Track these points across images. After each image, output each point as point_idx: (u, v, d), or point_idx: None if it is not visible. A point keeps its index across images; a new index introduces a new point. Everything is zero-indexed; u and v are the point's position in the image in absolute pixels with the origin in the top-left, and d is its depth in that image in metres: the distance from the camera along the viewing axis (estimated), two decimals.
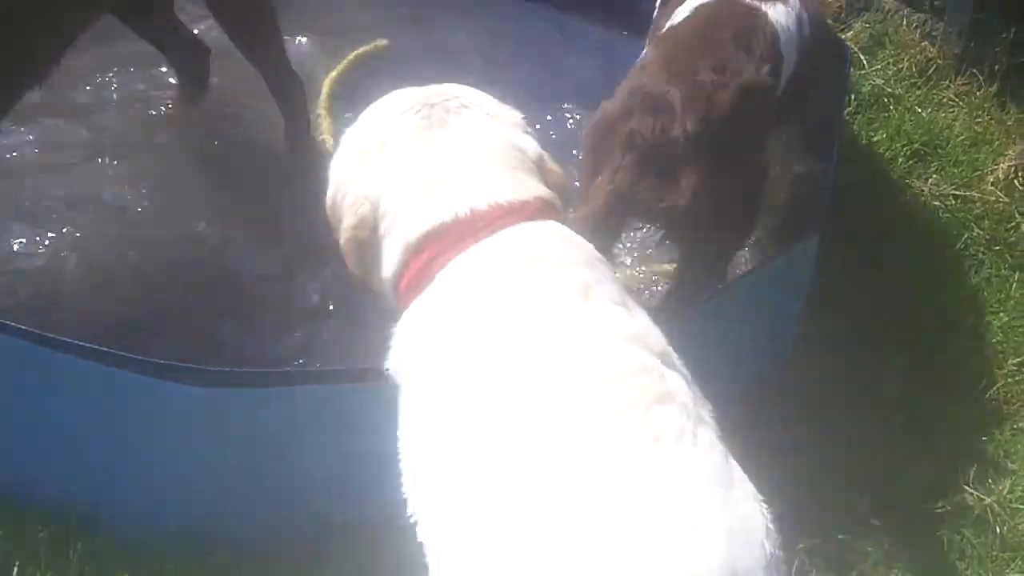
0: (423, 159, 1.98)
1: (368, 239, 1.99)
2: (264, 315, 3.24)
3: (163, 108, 3.90)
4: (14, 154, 3.66)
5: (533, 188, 1.96)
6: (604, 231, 2.80)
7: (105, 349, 2.46)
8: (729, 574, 1.47)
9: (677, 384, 1.69)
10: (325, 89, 3.99)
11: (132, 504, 2.59)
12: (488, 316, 1.76)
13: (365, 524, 2.46)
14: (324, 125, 3.86)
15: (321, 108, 3.92)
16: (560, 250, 1.85)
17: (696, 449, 1.60)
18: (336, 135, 3.48)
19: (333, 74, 4.05)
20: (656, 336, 1.78)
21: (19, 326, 2.50)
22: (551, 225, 1.90)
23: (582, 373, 1.65)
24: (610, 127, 2.82)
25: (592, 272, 1.82)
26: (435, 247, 1.89)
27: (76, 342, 2.46)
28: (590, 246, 1.90)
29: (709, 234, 2.83)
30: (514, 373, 1.68)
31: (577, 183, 2.88)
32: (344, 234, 2.01)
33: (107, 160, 3.68)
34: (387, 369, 1.93)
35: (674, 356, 1.77)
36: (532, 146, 2.05)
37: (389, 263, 1.97)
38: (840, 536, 2.73)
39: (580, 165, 3.04)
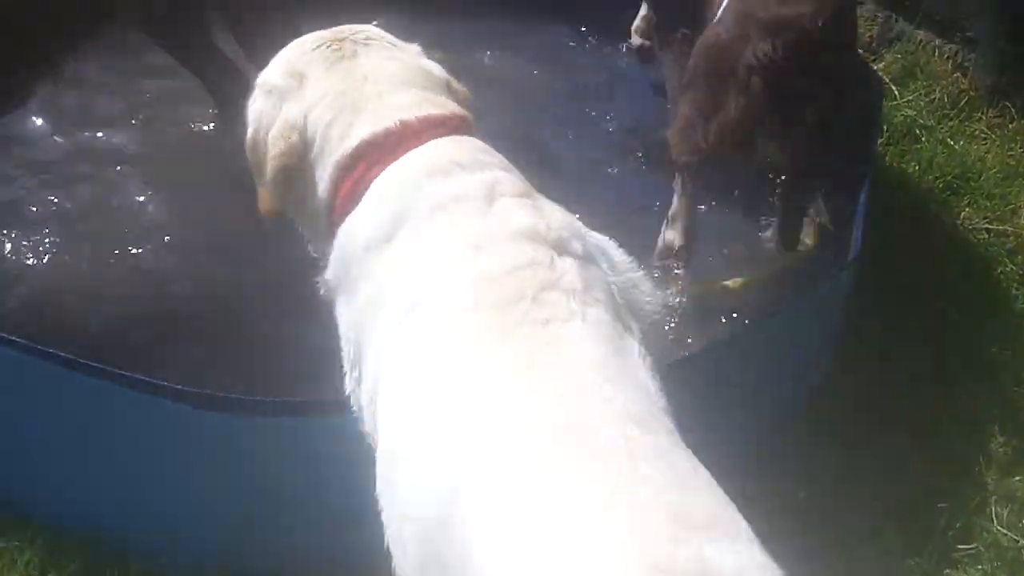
0: (343, 85, 2.11)
1: (297, 166, 2.10)
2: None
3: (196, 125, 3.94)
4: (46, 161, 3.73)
5: (452, 105, 2.13)
6: (734, 148, 3.05)
7: (138, 377, 2.48)
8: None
9: (565, 269, 1.84)
10: None
11: (167, 533, 2.61)
12: (412, 224, 1.94)
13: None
14: None
15: None
16: (480, 156, 2.03)
17: (585, 326, 1.77)
18: None
19: None
20: (555, 222, 1.92)
21: (61, 354, 2.52)
22: (469, 139, 2.08)
23: (478, 271, 1.84)
24: (725, 52, 2.96)
25: (504, 173, 2.00)
26: (367, 161, 2.03)
27: (120, 372, 2.49)
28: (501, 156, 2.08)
29: (817, 165, 2.94)
30: (426, 273, 1.88)
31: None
32: (272, 163, 2.11)
33: (130, 169, 3.76)
34: (318, 281, 2.10)
35: (572, 241, 1.91)
36: (438, 69, 2.21)
37: (322, 187, 2.09)
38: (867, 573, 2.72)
39: (687, 91, 3.16)
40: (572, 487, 1.52)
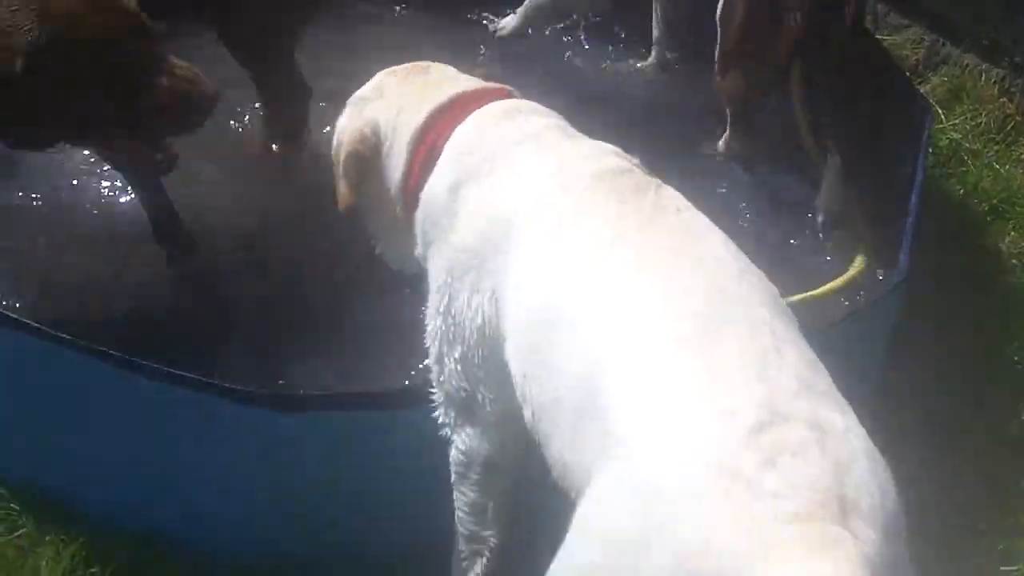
0: (413, 88, 2.43)
1: (368, 157, 2.40)
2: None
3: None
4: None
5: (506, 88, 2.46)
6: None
7: (192, 376, 2.51)
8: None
9: (649, 178, 2.13)
10: None
11: (210, 530, 2.63)
12: (496, 159, 2.21)
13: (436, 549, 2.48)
14: None
15: None
16: (541, 109, 2.36)
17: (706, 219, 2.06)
18: None
19: None
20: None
21: (103, 349, 2.54)
22: (527, 101, 2.41)
23: (591, 171, 2.12)
24: None
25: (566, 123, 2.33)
26: (438, 127, 2.32)
27: (169, 370, 2.51)
28: None
29: None
30: (532, 185, 2.14)
31: None
32: (345, 151, 2.41)
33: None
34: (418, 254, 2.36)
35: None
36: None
37: (396, 168, 2.38)
38: None
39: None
40: (726, 344, 1.79)
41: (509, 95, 2.42)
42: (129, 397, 2.59)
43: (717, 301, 1.88)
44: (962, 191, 4.03)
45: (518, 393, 2.08)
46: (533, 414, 2.03)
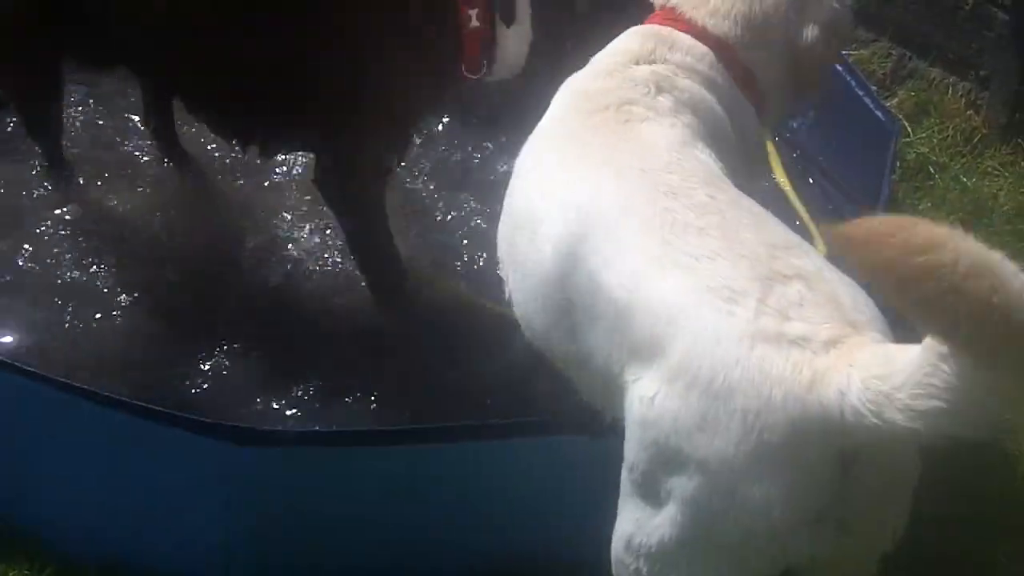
0: None
1: None
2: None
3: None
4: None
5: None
6: None
7: (190, 416, 2.53)
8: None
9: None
10: None
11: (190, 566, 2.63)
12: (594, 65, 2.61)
13: None
14: None
15: None
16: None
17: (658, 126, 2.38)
18: None
19: None
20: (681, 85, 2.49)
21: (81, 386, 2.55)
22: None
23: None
24: None
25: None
26: None
27: (172, 411, 2.53)
28: None
29: None
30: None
31: None
32: None
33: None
34: None
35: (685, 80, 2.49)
36: None
37: None
38: None
39: None
40: (682, 232, 2.09)
41: (679, 23, 2.60)
42: (91, 427, 2.58)
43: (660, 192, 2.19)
44: (930, 204, 4.05)
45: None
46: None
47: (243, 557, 2.62)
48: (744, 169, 2.54)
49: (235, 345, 3.29)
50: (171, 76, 3.39)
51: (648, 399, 2.01)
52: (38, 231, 3.61)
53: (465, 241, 3.71)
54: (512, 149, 2.58)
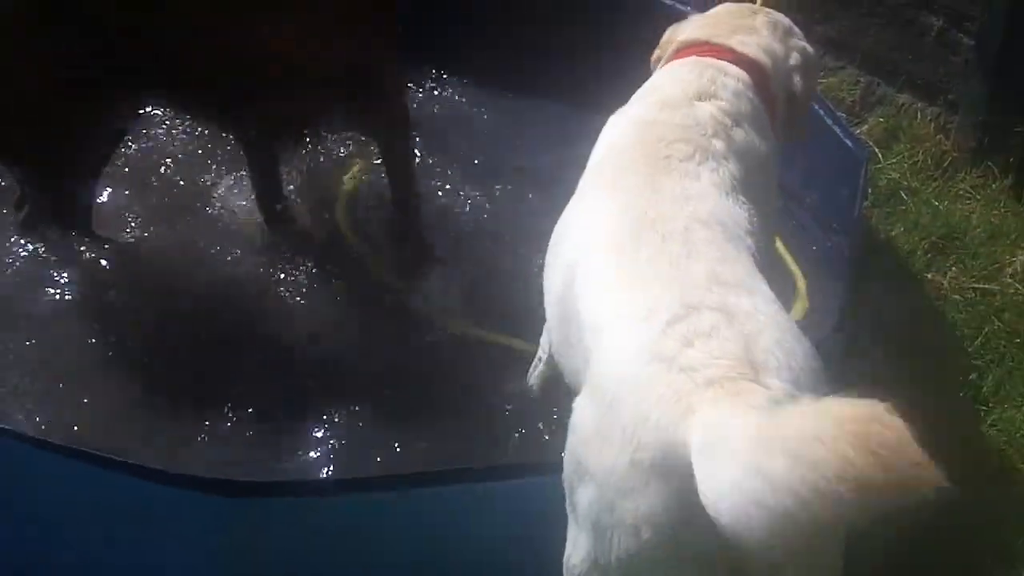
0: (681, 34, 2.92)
1: None
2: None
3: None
4: None
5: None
6: None
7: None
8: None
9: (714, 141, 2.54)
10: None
11: None
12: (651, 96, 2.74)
13: None
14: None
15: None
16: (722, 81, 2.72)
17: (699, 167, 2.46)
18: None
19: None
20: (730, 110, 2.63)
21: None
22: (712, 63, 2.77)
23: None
24: None
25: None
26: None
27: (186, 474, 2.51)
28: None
29: None
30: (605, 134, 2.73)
31: None
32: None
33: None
34: None
35: (740, 127, 2.61)
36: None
37: None
38: None
39: None
40: (642, 256, 2.20)
41: (722, 53, 2.76)
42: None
43: (646, 223, 2.28)
44: (903, 229, 4.09)
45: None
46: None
47: None
48: (772, 209, 2.68)
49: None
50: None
51: (575, 408, 2.12)
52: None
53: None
54: None
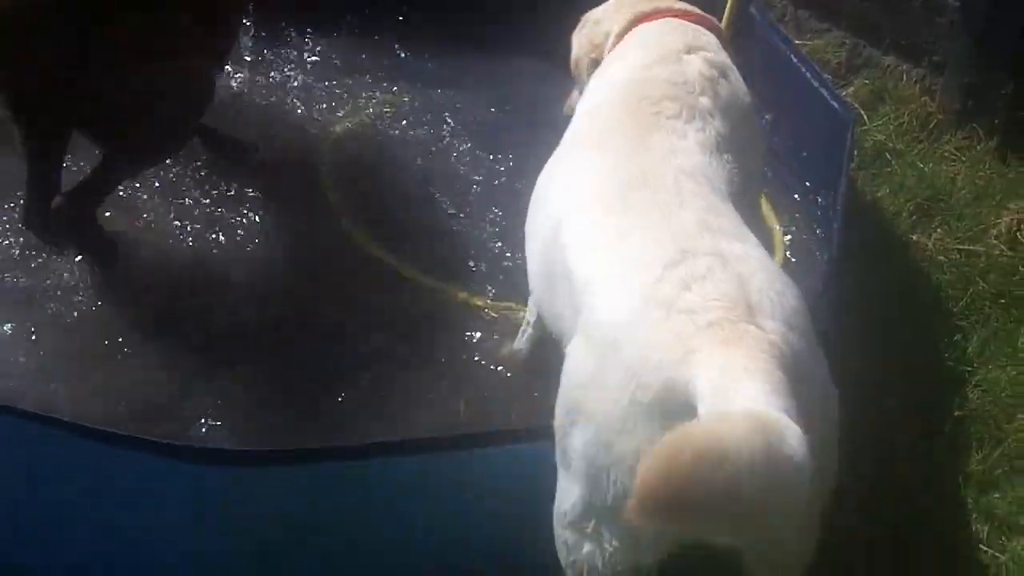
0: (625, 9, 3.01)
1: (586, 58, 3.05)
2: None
3: None
4: None
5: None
6: None
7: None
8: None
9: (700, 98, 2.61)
10: None
11: None
12: (636, 56, 2.80)
13: None
14: None
15: None
16: (698, 35, 2.86)
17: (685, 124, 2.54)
18: None
19: None
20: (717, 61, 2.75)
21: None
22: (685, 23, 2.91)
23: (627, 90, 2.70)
24: None
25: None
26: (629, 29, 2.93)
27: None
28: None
29: None
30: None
31: None
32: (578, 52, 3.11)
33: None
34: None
35: (726, 78, 2.72)
36: None
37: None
38: None
39: None
40: (635, 207, 2.27)
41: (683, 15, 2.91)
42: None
43: (637, 177, 2.35)
44: (888, 190, 4.09)
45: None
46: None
47: None
48: (758, 167, 2.78)
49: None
50: None
51: (569, 354, 2.19)
52: None
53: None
54: None
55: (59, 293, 3.41)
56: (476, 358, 3.32)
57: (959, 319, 3.64)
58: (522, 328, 3.22)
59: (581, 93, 2.99)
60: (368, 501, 2.52)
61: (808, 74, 3.84)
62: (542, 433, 2.28)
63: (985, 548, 2.88)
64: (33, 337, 3.25)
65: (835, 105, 3.80)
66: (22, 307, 3.34)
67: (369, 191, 3.95)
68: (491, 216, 3.84)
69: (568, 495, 2.15)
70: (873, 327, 3.49)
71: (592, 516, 2.09)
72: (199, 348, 3.33)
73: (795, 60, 3.97)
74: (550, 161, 2.71)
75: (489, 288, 3.56)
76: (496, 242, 3.72)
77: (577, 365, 2.15)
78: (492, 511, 2.52)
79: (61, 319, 3.33)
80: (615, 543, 2.06)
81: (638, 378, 1.96)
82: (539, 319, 3.00)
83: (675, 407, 1.90)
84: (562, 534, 2.19)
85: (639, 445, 1.93)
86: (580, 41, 3.10)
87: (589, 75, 2.98)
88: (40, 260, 3.48)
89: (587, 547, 2.12)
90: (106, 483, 2.49)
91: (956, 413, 3.30)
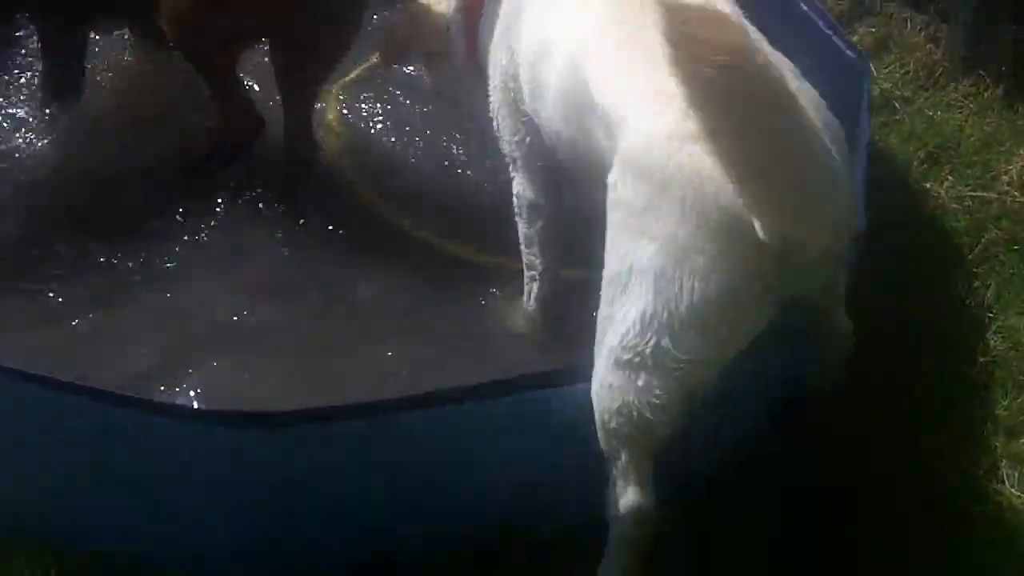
0: None
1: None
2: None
3: None
4: None
5: None
6: None
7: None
8: None
9: None
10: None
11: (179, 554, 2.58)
12: None
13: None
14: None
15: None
16: None
17: None
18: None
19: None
20: None
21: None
22: None
23: None
24: None
25: None
26: None
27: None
28: None
29: None
30: None
31: None
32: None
33: None
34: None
35: None
36: None
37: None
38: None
39: None
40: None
41: None
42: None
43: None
44: (897, 139, 4.09)
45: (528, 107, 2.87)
46: (540, 120, 2.83)
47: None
48: None
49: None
50: None
51: (611, 185, 2.32)
52: None
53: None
54: None
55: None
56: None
57: (974, 266, 3.64)
58: (527, 288, 3.19)
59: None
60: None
61: (821, 23, 3.80)
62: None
63: (1016, 492, 2.89)
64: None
65: (849, 54, 3.76)
66: None
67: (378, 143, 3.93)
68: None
69: (622, 321, 2.25)
70: (886, 273, 3.48)
71: (652, 332, 2.21)
72: (209, 306, 3.32)
73: (804, 7, 3.92)
74: (530, 28, 2.82)
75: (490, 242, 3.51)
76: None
77: (626, 196, 2.27)
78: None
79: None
80: (680, 355, 2.20)
81: (697, 207, 2.15)
82: (546, 269, 3.02)
83: (742, 229, 2.12)
84: (607, 377, 2.30)
85: (709, 259, 2.14)
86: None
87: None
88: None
89: (642, 379, 2.24)
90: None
91: (974, 359, 3.31)
